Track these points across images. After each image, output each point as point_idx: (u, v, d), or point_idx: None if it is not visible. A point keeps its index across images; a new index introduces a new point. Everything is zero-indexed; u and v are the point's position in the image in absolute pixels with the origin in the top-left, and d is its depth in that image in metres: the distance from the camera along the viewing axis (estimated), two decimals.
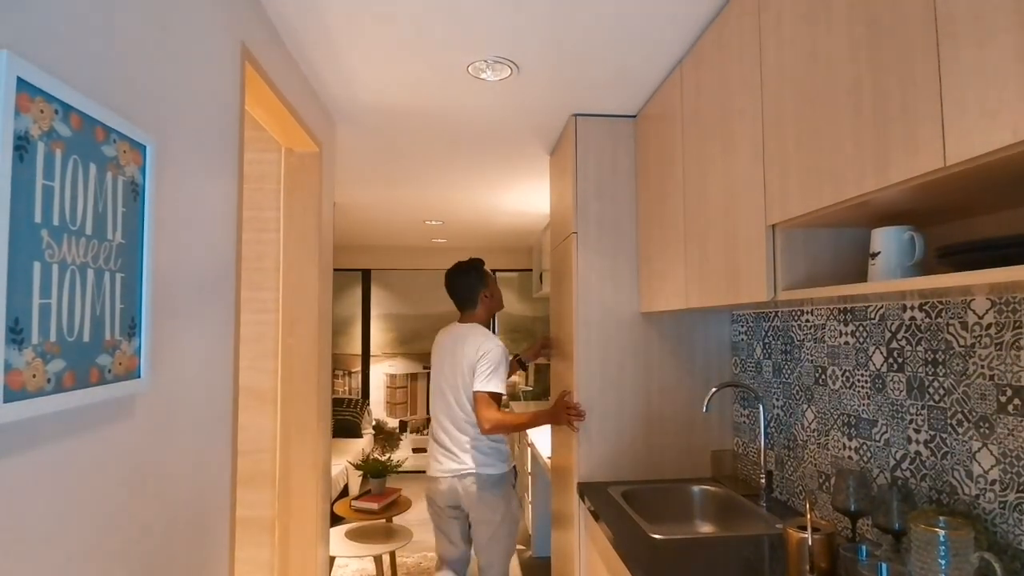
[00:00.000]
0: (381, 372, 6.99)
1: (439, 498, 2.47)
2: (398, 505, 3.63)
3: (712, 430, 2.37)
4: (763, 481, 1.94)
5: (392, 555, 3.39)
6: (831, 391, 1.70)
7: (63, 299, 0.83)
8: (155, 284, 1.11)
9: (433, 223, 5.04)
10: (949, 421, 1.29)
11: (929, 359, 1.35)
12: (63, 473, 0.87)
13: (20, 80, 0.74)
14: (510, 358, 2.62)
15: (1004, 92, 0.76)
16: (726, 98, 1.62)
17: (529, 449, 3.94)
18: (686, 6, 1.67)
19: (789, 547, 1.32)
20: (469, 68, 2.06)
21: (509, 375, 2.59)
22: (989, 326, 1.19)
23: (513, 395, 5.59)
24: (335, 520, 3.39)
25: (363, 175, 3.51)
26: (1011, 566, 1.13)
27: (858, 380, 1.59)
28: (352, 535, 3.37)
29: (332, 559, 3.43)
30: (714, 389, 1.98)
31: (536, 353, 2.95)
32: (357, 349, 6.83)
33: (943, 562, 1.01)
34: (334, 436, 5.53)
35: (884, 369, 1.49)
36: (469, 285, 2.58)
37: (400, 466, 3.93)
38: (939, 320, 1.32)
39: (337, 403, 5.95)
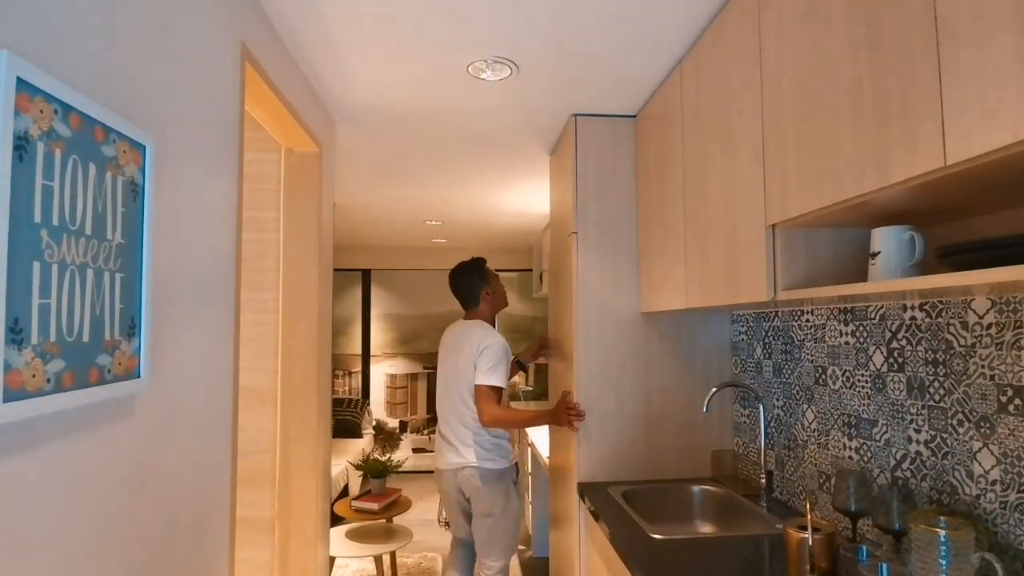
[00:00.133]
0: (381, 372, 6.99)
1: (444, 488, 2.60)
2: (398, 505, 3.63)
3: (712, 430, 2.37)
4: (763, 481, 1.94)
5: (392, 555, 3.39)
6: (831, 391, 1.70)
7: (63, 299, 0.83)
8: (155, 284, 1.11)
9: (433, 223, 5.04)
10: (950, 421, 1.28)
11: (929, 359, 1.35)
12: (63, 473, 0.87)
13: (20, 80, 0.74)
14: (512, 358, 2.64)
15: (1004, 92, 0.76)
16: (726, 98, 1.62)
17: (529, 449, 3.94)
18: (686, 6, 1.67)
19: (789, 547, 1.31)
20: (469, 68, 2.06)
21: (510, 376, 2.63)
22: (989, 326, 1.19)
23: (514, 395, 5.59)
24: (335, 520, 3.39)
25: (363, 175, 3.51)
26: (1012, 566, 1.13)
27: (858, 380, 1.58)
28: (352, 535, 3.37)
29: (332, 559, 3.43)
30: (714, 389, 1.98)
31: (535, 354, 2.98)
32: (357, 349, 6.83)
33: (944, 562, 1.01)
34: (334, 436, 5.53)
35: (884, 369, 1.49)
36: (471, 283, 2.66)
37: (400, 466, 3.93)
38: (939, 320, 1.32)
39: (337, 403, 5.95)
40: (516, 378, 2.97)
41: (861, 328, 1.57)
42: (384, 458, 4.14)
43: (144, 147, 1.04)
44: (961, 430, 1.25)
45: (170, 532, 1.19)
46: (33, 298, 0.77)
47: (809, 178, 1.21)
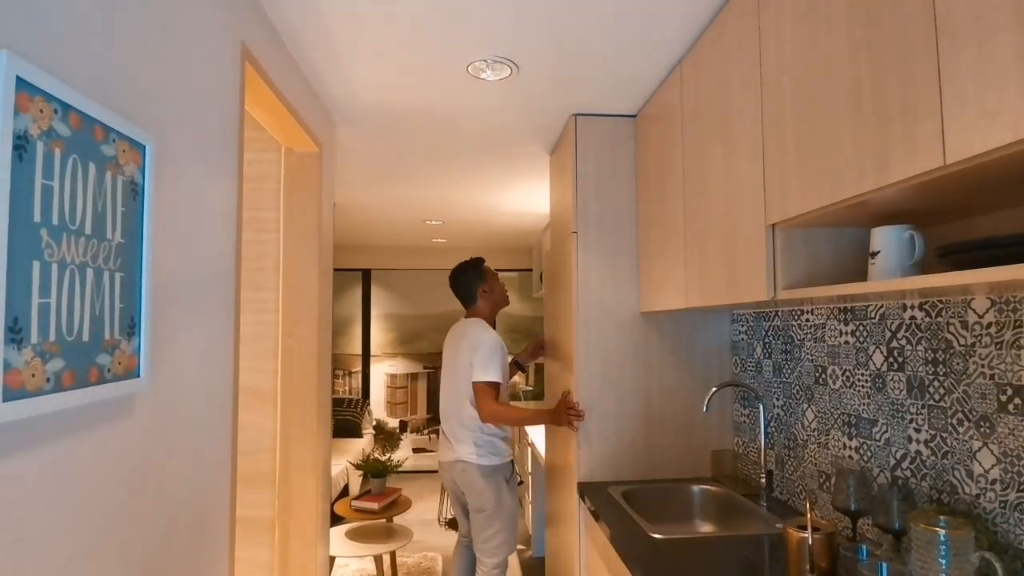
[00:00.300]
0: (381, 372, 6.99)
1: (444, 483, 2.70)
2: (398, 505, 3.63)
3: (712, 430, 2.37)
4: (763, 481, 1.94)
5: (392, 555, 3.39)
6: (831, 391, 1.70)
7: (62, 298, 0.83)
8: (155, 284, 1.11)
9: (433, 223, 5.04)
10: (949, 420, 1.28)
11: (929, 358, 1.35)
12: (62, 473, 0.87)
13: (20, 79, 0.74)
14: (509, 358, 2.67)
15: (1004, 91, 0.76)
16: (726, 98, 1.62)
17: (529, 449, 3.94)
18: (686, 6, 1.67)
19: (789, 547, 1.31)
20: (469, 68, 2.06)
21: (509, 376, 2.68)
22: (989, 325, 1.19)
23: (513, 395, 5.60)
24: (335, 520, 3.39)
25: (363, 175, 3.51)
26: (1012, 566, 1.13)
27: (858, 379, 1.58)
28: (352, 535, 3.37)
29: (332, 559, 3.43)
30: (714, 389, 1.98)
31: (532, 354, 3.03)
32: (357, 349, 6.83)
33: (943, 562, 1.01)
34: (334, 436, 5.53)
35: (884, 368, 1.49)
36: (468, 282, 2.71)
37: (400, 466, 3.93)
38: (939, 319, 1.32)
39: (337, 403, 5.95)
40: (516, 378, 3.00)
41: (861, 328, 1.57)
42: (384, 458, 4.14)
43: (144, 147, 1.04)
44: (961, 429, 1.25)
45: (170, 532, 1.19)
46: (33, 297, 0.77)
47: (809, 177, 1.21)
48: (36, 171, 0.78)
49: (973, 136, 0.81)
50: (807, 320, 1.82)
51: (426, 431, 7.04)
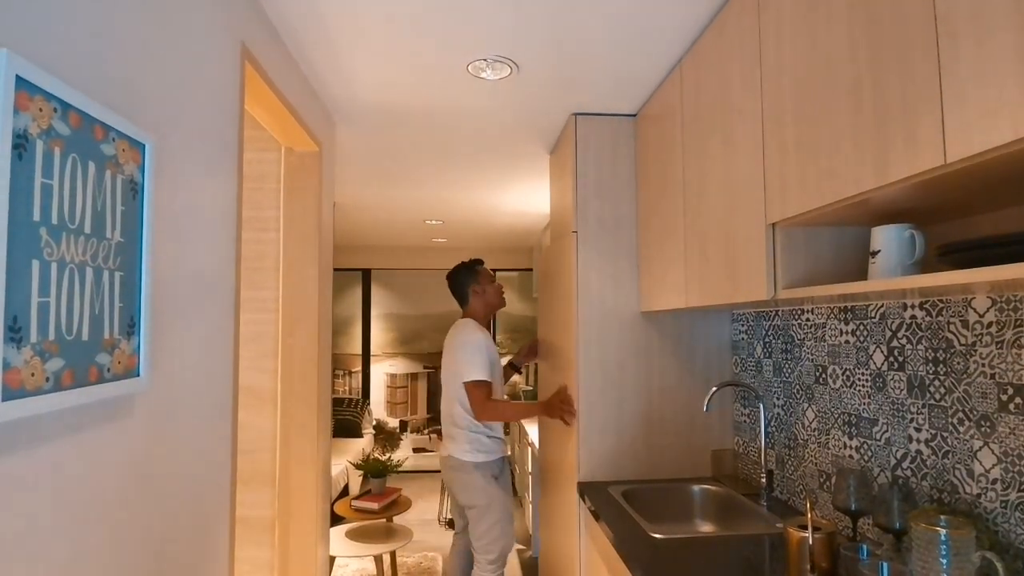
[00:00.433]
0: (381, 372, 6.99)
1: (442, 479, 2.78)
2: (398, 505, 3.63)
3: (712, 429, 2.37)
4: (764, 480, 1.94)
5: (392, 555, 3.39)
6: (832, 390, 1.70)
7: (62, 298, 0.83)
8: (154, 283, 1.10)
9: (433, 223, 5.04)
10: (950, 420, 1.28)
11: (930, 358, 1.35)
12: (62, 472, 0.87)
13: (19, 78, 0.74)
14: (504, 359, 2.70)
15: (1004, 90, 0.76)
16: (726, 97, 1.62)
17: (529, 449, 3.94)
18: (686, 5, 1.67)
19: (790, 546, 1.31)
20: (469, 67, 2.06)
21: (506, 379, 2.76)
22: (990, 324, 1.19)
23: (514, 395, 5.60)
24: (335, 520, 3.39)
25: (363, 175, 3.51)
26: (1013, 565, 1.13)
27: (859, 379, 1.58)
28: (352, 535, 3.37)
29: (332, 559, 3.43)
30: (714, 388, 1.98)
31: (527, 356, 3.08)
32: (357, 349, 6.83)
33: (944, 561, 1.00)
34: (334, 436, 5.53)
35: (885, 368, 1.49)
36: (461, 282, 2.78)
37: (400, 466, 3.93)
38: (940, 318, 1.32)
39: (337, 403, 5.95)
40: (516, 377, 3.04)
41: (861, 327, 1.57)
42: (384, 458, 4.13)
43: (143, 146, 1.04)
44: (962, 429, 1.25)
45: (170, 531, 1.18)
46: (32, 296, 0.77)
47: (809, 177, 1.21)
48: (36, 170, 0.78)
49: (973, 135, 0.81)
50: (807, 319, 1.82)
51: (426, 431, 7.04)
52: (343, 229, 5.30)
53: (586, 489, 2.16)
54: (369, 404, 6.50)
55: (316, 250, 2.32)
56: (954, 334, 1.28)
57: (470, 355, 2.53)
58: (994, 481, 1.17)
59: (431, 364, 7.01)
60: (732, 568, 1.42)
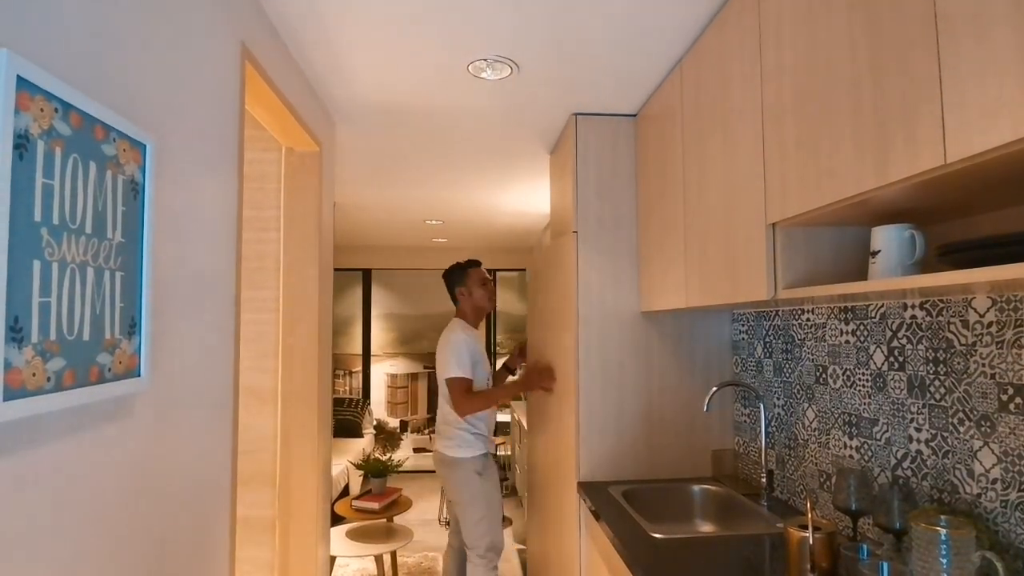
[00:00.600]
0: (382, 372, 7.00)
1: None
2: (399, 505, 3.63)
3: (713, 429, 2.37)
4: (764, 480, 1.94)
5: (393, 555, 3.39)
6: (832, 390, 1.70)
7: (63, 298, 0.83)
8: (155, 283, 1.11)
9: (433, 223, 5.04)
10: (950, 420, 1.28)
11: (930, 358, 1.35)
12: (63, 472, 0.87)
13: (20, 78, 0.74)
14: (480, 349, 2.74)
15: (1004, 90, 0.76)
16: (726, 96, 1.62)
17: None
18: (686, 5, 1.67)
19: (790, 546, 1.31)
20: (469, 67, 2.06)
21: (502, 381, 2.83)
22: (990, 324, 1.19)
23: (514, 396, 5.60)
24: (336, 520, 3.39)
25: (363, 175, 3.51)
26: (1013, 565, 1.13)
27: (859, 379, 1.58)
28: (353, 535, 3.37)
29: (333, 559, 3.43)
30: (715, 388, 1.98)
31: (519, 357, 3.13)
32: (358, 349, 6.83)
33: (944, 561, 1.01)
34: (335, 436, 5.53)
35: (885, 368, 1.49)
36: (450, 283, 2.86)
37: (401, 466, 3.93)
38: (940, 318, 1.32)
39: (338, 403, 5.95)
40: (511, 378, 3.10)
41: (862, 327, 1.57)
42: (385, 458, 4.14)
43: (144, 146, 1.04)
44: (962, 429, 1.25)
45: (171, 531, 1.19)
46: (33, 297, 0.77)
47: (809, 176, 1.21)
48: (36, 170, 0.78)
49: (973, 135, 0.81)
50: (808, 319, 1.82)
51: (427, 431, 7.04)
52: (343, 229, 5.30)
53: (586, 489, 2.17)
54: (369, 404, 6.50)
55: (316, 250, 2.32)
56: (954, 334, 1.28)
57: (449, 353, 2.62)
58: (994, 481, 1.17)
59: (431, 364, 6.99)
60: (732, 568, 1.42)
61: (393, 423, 6.86)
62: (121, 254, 0.97)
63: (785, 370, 1.94)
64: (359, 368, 6.81)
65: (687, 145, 1.90)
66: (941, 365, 1.31)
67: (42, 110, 0.79)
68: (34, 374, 0.77)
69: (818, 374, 1.76)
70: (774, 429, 2.01)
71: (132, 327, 1.00)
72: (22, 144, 0.75)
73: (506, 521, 4.72)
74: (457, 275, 2.84)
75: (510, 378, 3.07)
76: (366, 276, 6.77)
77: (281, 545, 2.26)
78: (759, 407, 2.03)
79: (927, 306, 1.36)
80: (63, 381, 0.83)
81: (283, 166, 2.31)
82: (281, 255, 2.30)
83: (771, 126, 1.37)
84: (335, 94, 2.30)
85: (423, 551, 4.00)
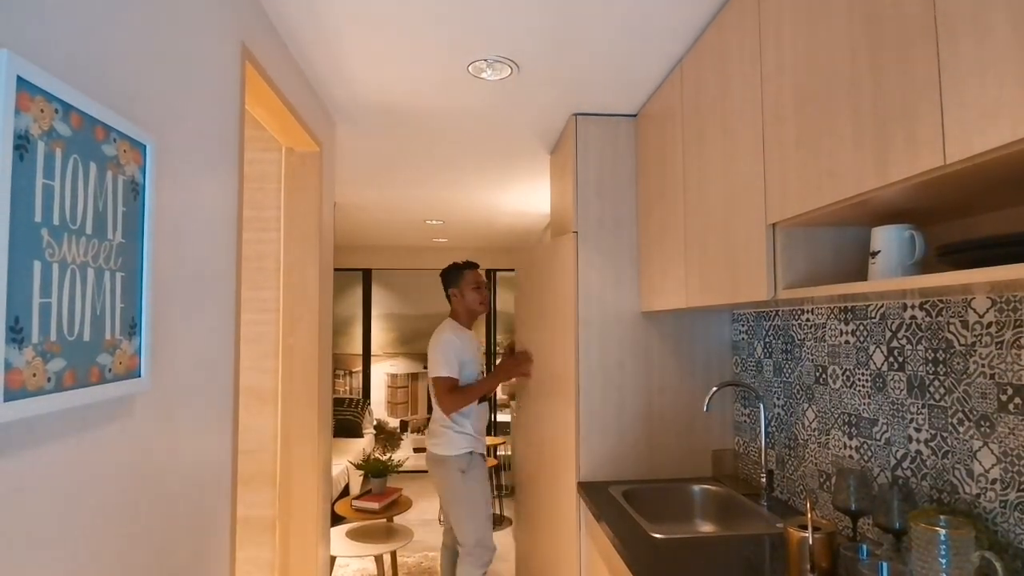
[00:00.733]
0: (382, 372, 7.00)
1: None
2: (399, 505, 3.63)
3: (713, 429, 2.37)
4: (764, 480, 1.94)
5: (393, 555, 3.39)
6: (832, 390, 1.70)
7: (63, 298, 0.83)
8: (155, 283, 1.11)
9: (434, 223, 5.04)
10: (950, 420, 1.28)
11: (930, 358, 1.35)
12: (64, 473, 0.87)
13: (20, 79, 0.75)
14: (469, 349, 2.77)
15: (1004, 90, 0.76)
16: (726, 97, 1.62)
17: None
18: (686, 5, 1.67)
19: (790, 546, 1.31)
20: (469, 68, 2.06)
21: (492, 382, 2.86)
22: (990, 325, 1.19)
23: (512, 395, 5.61)
24: (336, 520, 3.39)
25: (363, 175, 3.51)
26: (1012, 565, 1.13)
27: (859, 379, 1.58)
28: (353, 535, 3.37)
29: (333, 559, 3.43)
30: (715, 388, 1.98)
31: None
32: (358, 349, 6.83)
33: (944, 561, 1.01)
34: (335, 436, 5.53)
35: (885, 368, 1.49)
36: (445, 283, 2.92)
37: (401, 466, 3.93)
38: (940, 319, 1.32)
39: (338, 403, 5.95)
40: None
41: (861, 327, 1.57)
42: (385, 458, 4.13)
43: (145, 146, 1.04)
44: (961, 429, 1.25)
45: (171, 531, 1.19)
46: (34, 297, 0.77)
47: (809, 177, 1.21)
48: (37, 171, 0.78)
49: (973, 135, 0.81)
50: (807, 320, 1.82)
51: (426, 431, 7.04)
52: (343, 229, 5.30)
53: (586, 489, 2.17)
54: (370, 404, 6.50)
55: (317, 250, 2.32)
56: (954, 334, 1.28)
57: (436, 353, 2.69)
58: (993, 481, 1.17)
59: None
60: (732, 568, 1.42)
61: (393, 423, 6.86)
62: (121, 254, 0.97)
63: (785, 370, 1.94)
64: (359, 368, 6.81)
65: (687, 145, 1.90)
66: (941, 365, 1.31)
67: (42, 111, 0.79)
68: (34, 375, 0.77)
69: (818, 374, 1.76)
70: (774, 429, 2.01)
71: (132, 327, 1.00)
72: (22, 145, 0.75)
73: (505, 521, 4.72)
74: (452, 276, 2.87)
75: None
76: (366, 276, 6.78)
77: (281, 545, 2.26)
78: (759, 407, 2.03)
79: (927, 306, 1.36)
80: (63, 382, 0.83)
81: (283, 166, 2.31)
82: (281, 255, 2.30)
83: (771, 126, 1.37)
84: (335, 94, 2.30)
85: (423, 551, 4.00)
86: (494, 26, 1.79)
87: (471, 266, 2.89)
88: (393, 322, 7.12)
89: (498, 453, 5.29)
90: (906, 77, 0.94)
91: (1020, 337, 1.12)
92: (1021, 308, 1.12)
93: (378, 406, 6.90)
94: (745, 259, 1.49)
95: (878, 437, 1.51)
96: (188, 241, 1.24)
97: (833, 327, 1.69)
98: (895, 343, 1.45)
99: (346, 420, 5.84)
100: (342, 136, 2.77)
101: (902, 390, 1.43)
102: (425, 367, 7.05)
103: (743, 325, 2.27)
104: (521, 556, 2.83)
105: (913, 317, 1.40)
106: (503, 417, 6.63)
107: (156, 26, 1.12)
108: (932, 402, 1.34)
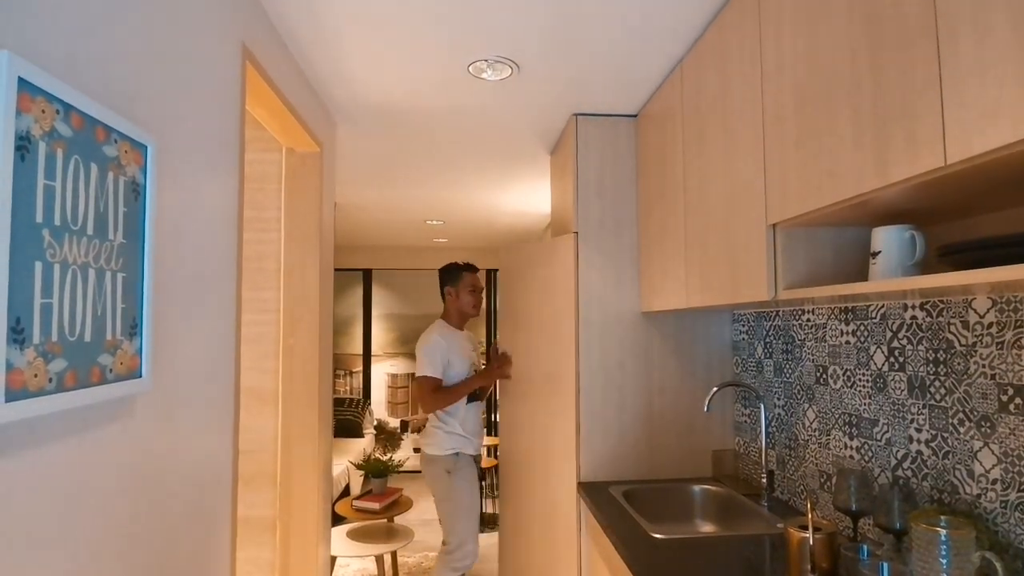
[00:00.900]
0: (382, 372, 7.00)
1: None
2: (399, 505, 3.63)
3: (713, 430, 2.37)
4: (764, 481, 1.94)
5: (393, 555, 3.40)
6: (832, 390, 1.70)
7: (64, 299, 0.83)
8: (156, 284, 1.11)
9: (434, 223, 5.04)
10: (950, 420, 1.28)
11: (930, 358, 1.35)
12: (65, 473, 0.87)
13: (21, 80, 0.75)
14: (456, 349, 2.78)
15: (1004, 91, 0.76)
16: (726, 97, 1.62)
17: None
18: (686, 6, 1.67)
19: (790, 547, 1.31)
20: (470, 68, 2.06)
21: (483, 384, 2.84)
22: (990, 325, 1.19)
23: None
24: (336, 520, 3.39)
25: (364, 175, 3.51)
26: (1012, 565, 1.13)
27: (859, 379, 1.58)
28: (353, 535, 3.37)
29: (333, 559, 3.43)
30: (715, 388, 1.98)
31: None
32: (358, 349, 6.83)
33: (944, 561, 1.01)
34: (335, 436, 5.53)
35: (885, 368, 1.49)
36: (441, 281, 2.93)
37: (401, 466, 3.93)
38: (940, 319, 1.32)
39: (338, 403, 5.95)
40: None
41: (862, 327, 1.57)
42: (385, 458, 4.14)
43: (146, 147, 1.04)
44: (962, 429, 1.25)
45: (172, 531, 1.19)
46: (35, 298, 0.77)
47: (810, 177, 1.21)
48: (38, 172, 0.78)
49: (973, 136, 0.81)
50: (808, 320, 1.82)
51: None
52: (344, 229, 5.30)
53: (587, 489, 2.17)
54: (370, 404, 6.50)
55: (317, 250, 2.32)
56: (954, 335, 1.28)
57: (420, 354, 2.73)
58: (994, 481, 1.17)
59: None
60: (733, 568, 1.42)
61: (394, 423, 6.86)
62: (122, 255, 0.97)
63: (785, 370, 1.94)
64: (360, 368, 6.81)
65: (687, 145, 1.90)
66: (941, 366, 1.31)
67: (43, 112, 0.79)
68: (36, 375, 0.77)
69: (818, 374, 1.76)
70: (774, 429, 2.01)
71: (133, 328, 1.00)
72: (24, 146, 0.75)
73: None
74: (451, 275, 2.88)
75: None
76: (367, 276, 6.78)
77: (282, 545, 2.26)
78: (759, 407, 2.03)
79: (927, 307, 1.36)
80: (65, 382, 0.83)
81: (284, 166, 2.31)
82: (282, 256, 2.30)
83: (771, 126, 1.37)
84: (335, 94, 2.30)
85: (423, 551, 4.00)
86: (494, 26, 1.79)
87: (471, 268, 2.89)
88: (393, 322, 7.12)
89: (498, 454, 5.29)
90: (906, 77, 0.94)
91: (1021, 338, 1.12)
92: (1022, 309, 1.12)
93: (378, 406, 6.90)
94: (745, 259, 1.49)
95: (879, 437, 1.51)
96: (189, 242, 1.24)
97: (834, 327, 1.69)
98: (896, 343, 1.45)
99: (346, 420, 5.85)
100: (342, 136, 2.77)
101: (903, 390, 1.43)
102: None
103: (744, 325, 2.27)
104: (507, 557, 2.78)
105: (914, 317, 1.40)
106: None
107: (156, 26, 1.12)
108: (933, 402, 1.34)
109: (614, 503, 1.98)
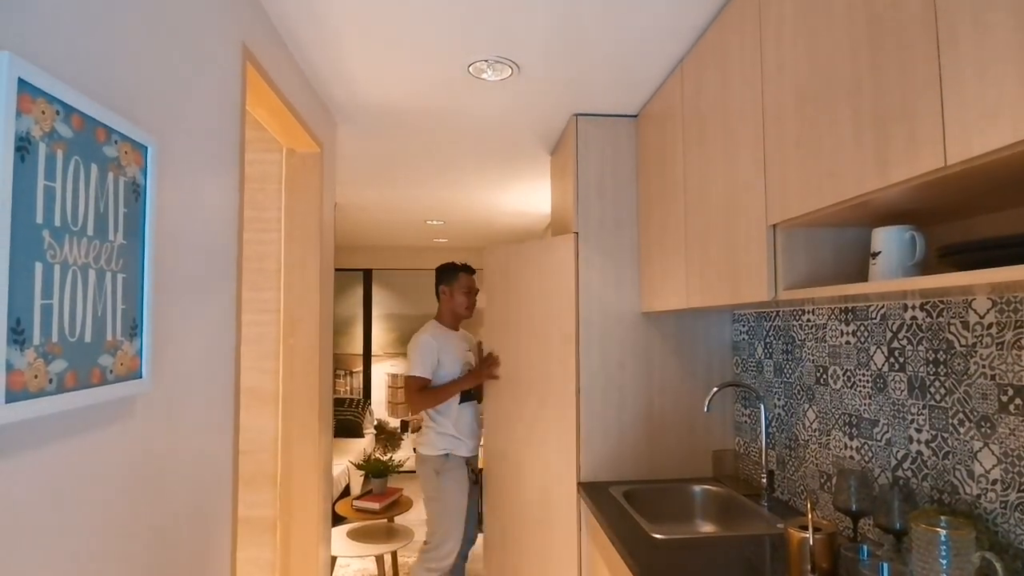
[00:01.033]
0: (382, 372, 6.99)
1: None
2: (399, 505, 3.63)
3: (713, 430, 2.37)
4: (764, 481, 1.94)
5: (394, 555, 3.40)
6: (832, 391, 1.70)
7: (65, 299, 0.83)
8: (156, 284, 1.11)
9: (434, 223, 5.04)
10: (950, 421, 1.28)
11: (930, 359, 1.35)
12: (65, 474, 0.87)
13: (21, 81, 0.75)
14: (446, 349, 2.76)
15: (1004, 91, 0.76)
16: (727, 97, 1.62)
17: None
18: (687, 6, 1.67)
19: (790, 547, 1.31)
20: (470, 68, 2.06)
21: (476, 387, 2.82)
22: (990, 326, 1.19)
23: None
24: (337, 520, 3.39)
25: (364, 175, 3.51)
26: (1012, 565, 1.13)
27: (859, 380, 1.58)
28: (354, 535, 3.37)
29: (334, 559, 3.43)
30: (715, 389, 1.98)
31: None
32: (358, 349, 6.83)
33: (944, 562, 1.01)
34: (336, 436, 5.53)
35: (885, 369, 1.49)
36: (438, 280, 2.93)
37: (401, 466, 3.93)
38: (940, 320, 1.32)
39: (339, 403, 5.95)
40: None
41: (862, 328, 1.57)
42: (385, 458, 4.14)
43: (146, 148, 1.04)
44: (962, 430, 1.25)
45: (172, 532, 1.19)
46: (35, 299, 0.77)
47: (810, 178, 1.21)
48: (38, 172, 0.78)
49: (973, 137, 0.81)
50: (808, 320, 1.82)
51: None
52: (344, 229, 5.30)
53: (587, 489, 2.17)
54: (370, 404, 6.50)
55: (317, 251, 2.32)
56: (954, 335, 1.28)
57: (411, 354, 2.74)
58: (994, 482, 1.17)
59: None
60: (733, 568, 1.42)
61: (394, 423, 6.86)
62: (123, 256, 0.97)
63: (786, 371, 1.94)
64: (360, 368, 6.81)
65: (688, 146, 1.90)
66: (941, 366, 1.31)
67: (44, 112, 0.79)
68: (36, 376, 0.77)
69: (818, 375, 1.76)
70: (775, 430, 2.01)
71: (134, 328, 1.00)
72: (24, 147, 0.75)
73: None
74: (448, 274, 2.89)
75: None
76: (367, 276, 6.78)
77: (282, 545, 2.26)
78: (760, 408, 2.03)
79: (927, 307, 1.36)
80: (65, 383, 0.83)
81: (284, 167, 2.31)
82: (282, 256, 2.30)
83: (772, 127, 1.37)
84: (336, 95, 2.30)
85: None
86: (494, 26, 1.79)
87: (468, 270, 2.88)
88: (393, 322, 7.12)
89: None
90: (906, 77, 0.94)
91: (1021, 338, 1.12)
92: (1022, 309, 1.12)
93: (379, 406, 6.90)
94: (746, 260, 1.49)
95: (879, 438, 1.51)
96: (189, 242, 1.25)
97: (834, 328, 1.69)
98: (896, 344, 1.45)
99: (347, 420, 5.85)
100: (343, 136, 2.77)
101: (903, 391, 1.43)
102: None
103: (744, 325, 2.27)
104: (493, 557, 2.73)
105: (914, 318, 1.40)
106: None
107: (157, 27, 1.12)
108: (933, 403, 1.34)
109: (614, 503, 1.98)
